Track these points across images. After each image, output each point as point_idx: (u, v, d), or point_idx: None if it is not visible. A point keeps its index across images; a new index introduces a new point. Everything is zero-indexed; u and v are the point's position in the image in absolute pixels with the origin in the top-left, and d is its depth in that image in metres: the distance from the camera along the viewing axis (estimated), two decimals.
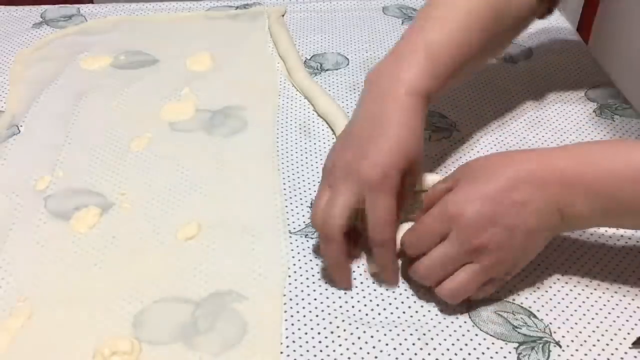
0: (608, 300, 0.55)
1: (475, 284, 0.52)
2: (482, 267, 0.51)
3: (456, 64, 0.60)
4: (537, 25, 0.93)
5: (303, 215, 0.63)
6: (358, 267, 0.58)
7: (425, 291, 0.56)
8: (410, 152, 0.55)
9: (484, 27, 0.62)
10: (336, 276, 0.57)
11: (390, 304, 0.55)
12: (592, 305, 0.55)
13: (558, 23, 0.94)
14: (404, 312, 0.54)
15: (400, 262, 0.57)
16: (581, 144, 0.53)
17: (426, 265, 0.53)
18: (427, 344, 0.52)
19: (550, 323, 0.53)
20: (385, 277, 0.57)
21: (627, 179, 0.49)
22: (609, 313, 0.54)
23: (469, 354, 0.51)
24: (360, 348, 0.52)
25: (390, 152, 0.54)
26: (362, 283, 0.57)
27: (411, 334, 0.53)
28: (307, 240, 0.61)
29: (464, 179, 0.53)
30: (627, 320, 0.54)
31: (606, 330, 0.53)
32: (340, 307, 0.55)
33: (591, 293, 0.56)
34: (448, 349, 0.52)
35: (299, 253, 0.60)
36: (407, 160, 0.55)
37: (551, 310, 0.54)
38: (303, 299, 0.56)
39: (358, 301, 0.55)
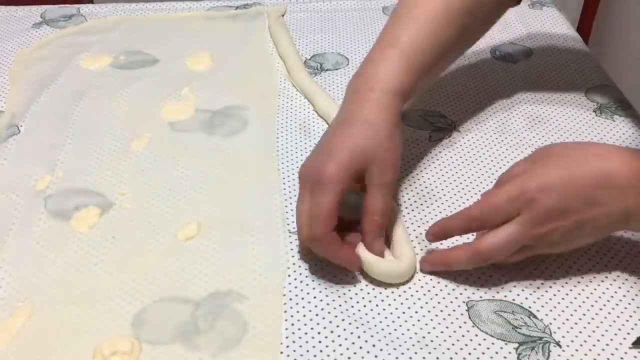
0: (608, 301, 0.55)
1: (519, 258, 0.54)
2: (537, 249, 0.53)
3: (430, 58, 0.61)
4: (537, 25, 0.93)
5: None
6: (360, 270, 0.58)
7: (425, 291, 0.56)
8: (368, 149, 0.56)
9: (456, 21, 0.63)
10: (344, 264, 0.56)
11: (389, 304, 0.55)
12: (592, 305, 0.55)
13: (558, 23, 0.94)
14: (403, 313, 0.54)
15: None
16: None
17: (491, 242, 0.52)
18: (427, 344, 0.52)
19: (550, 323, 0.53)
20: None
21: None
22: (609, 313, 0.54)
23: (469, 353, 0.51)
24: (360, 348, 0.52)
25: (341, 153, 0.56)
26: (360, 282, 0.57)
27: (411, 337, 0.53)
28: None
29: (543, 161, 0.52)
30: (627, 320, 0.54)
31: (606, 330, 0.53)
32: (340, 306, 0.55)
33: (591, 293, 0.56)
34: (448, 349, 0.52)
35: (298, 252, 0.60)
36: (364, 157, 0.56)
37: (551, 310, 0.54)
38: (303, 299, 0.56)
39: (357, 302, 0.55)
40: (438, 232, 0.56)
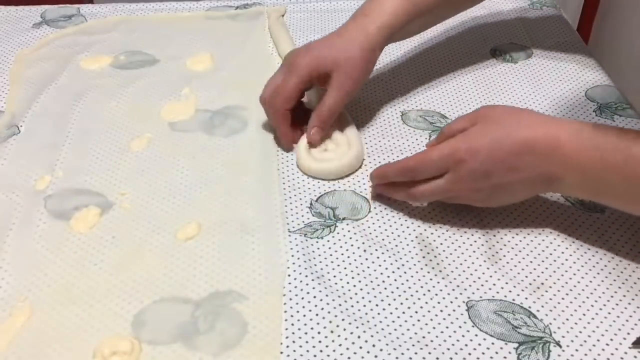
0: (608, 300, 0.55)
1: (451, 202, 0.62)
2: (463, 199, 0.61)
3: (428, 1, 0.71)
4: (537, 25, 0.93)
5: (302, 215, 0.63)
6: (360, 270, 0.58)
7: (425, 291, 0.56)
8: (336, 56, 0.67)
9: None
10: (281, 139, 0.71)
11: (389, 304, 0.55)
12: (592, 305, 0.55)
13: (558, 23, 0.94)
14: (403, 312, 0.54)
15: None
16: (590, 125, 0.56)
17: (422, 189, 0.60)
18: (427, 344, 0.52)
19: (550, 323, 0.54)
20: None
21: (621, 173, 0.53)
22: (609, 313, 0.54)
23: (469, 354, 0.51)
24: (360, 347, 0.52)
25: (314, 50, 0.69)
26: (359, 282, 0.57)
27: (411, 337, 0.53)
28: (307, 239, 0.61)
29: (480, 124, 0.58)
30: (627, 320, 0.54)
31: (606, 330, 0.53)
32: (340, 305, 0.55)
33: (591, 293, 0.56)
34: (448, 349, 0.52)
35: (298, 252, 0.60)
36: (332, 61, 0.67)
37: (551, 310, 0.54)
38: (303, 298, 0.56)
39: (357, 301, 0.55)
40: (377, 175, 0.63)
